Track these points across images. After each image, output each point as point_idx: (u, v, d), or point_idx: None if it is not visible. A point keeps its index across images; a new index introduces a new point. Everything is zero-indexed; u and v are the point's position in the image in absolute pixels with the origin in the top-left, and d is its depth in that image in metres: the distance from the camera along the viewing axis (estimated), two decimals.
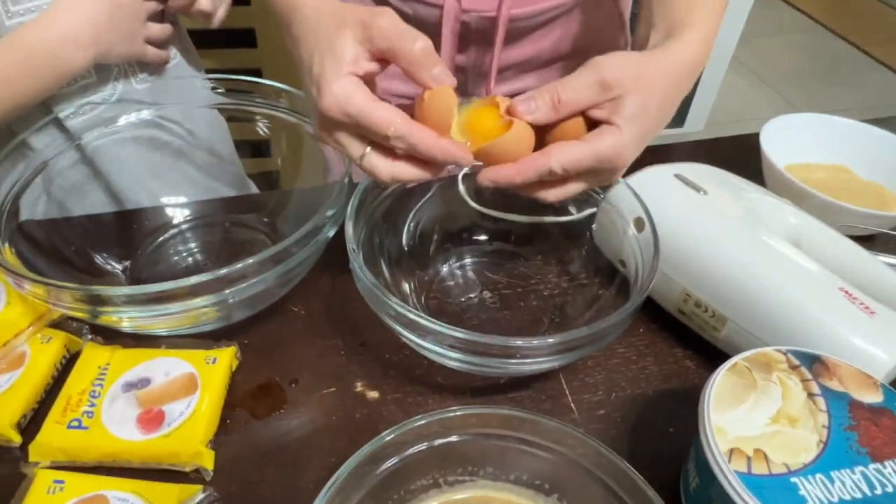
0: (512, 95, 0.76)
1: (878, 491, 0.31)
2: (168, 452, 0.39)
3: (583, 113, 0.40)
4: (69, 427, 0.40)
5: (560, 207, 0.55)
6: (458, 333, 0.38)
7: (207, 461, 0.40)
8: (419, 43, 0.37)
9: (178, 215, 0.59)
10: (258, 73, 1.10)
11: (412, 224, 0.54)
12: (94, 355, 0.44)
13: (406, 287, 0.52)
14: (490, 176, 0.40)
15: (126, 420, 0.40)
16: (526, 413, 0.36)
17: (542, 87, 0.40)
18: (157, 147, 0.62)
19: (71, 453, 0.39)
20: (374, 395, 0.46)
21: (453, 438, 0.36)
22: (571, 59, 0.69)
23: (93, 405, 0.41)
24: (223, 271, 0.40)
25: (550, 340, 0.39)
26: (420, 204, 0.54)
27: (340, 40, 0.37)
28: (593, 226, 0.53)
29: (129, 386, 0.42)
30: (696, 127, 2.19)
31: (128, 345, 0.45)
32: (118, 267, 0.54)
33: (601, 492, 0.35)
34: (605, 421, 0.45)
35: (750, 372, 0.37)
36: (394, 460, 0.35)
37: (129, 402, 0.41)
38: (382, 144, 0.38)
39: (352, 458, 0.33)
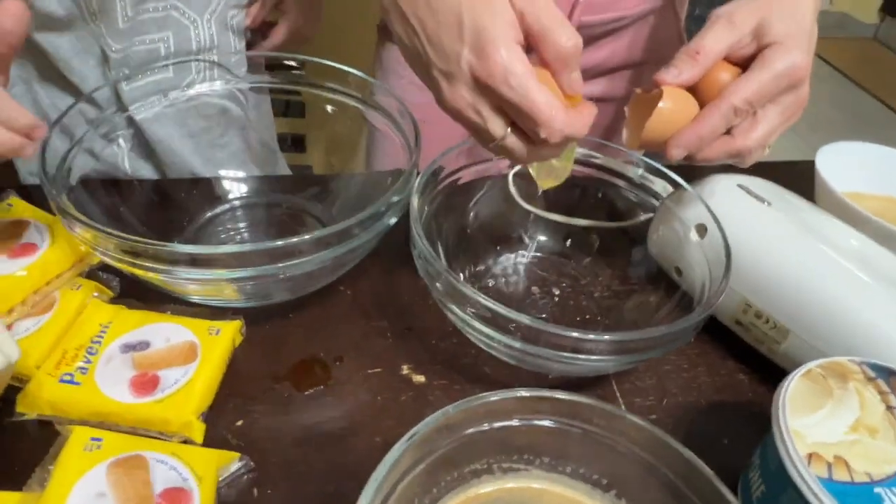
0: None
1: None
2: (158, 419, 0.38)
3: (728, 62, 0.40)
4: (61, 381, 0.38)
5: (616, 213, 0.55)
6: (514, 315, 0.37)
7: (197, 433, 0.38)
8: (572, 40, 0.34)
9: (234, 190, 0.58)
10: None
11: (471, 214, 0.53)
12: (98, 312, 0.43)
13: (459, 275, 0.51)
14: (675, 142, 0.39)
15: (119, 381, 0.39)
16: (593, 401, 0.35)
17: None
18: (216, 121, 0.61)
19: (58, 408, 0.38)
20: (420, 378, 0.45)
21: (513, 423, 0.35)
22: (636, 67, 0.69)
23: (88, 362, 0.39)
24: (277, 243, 0.38)
25: (608, 337, 0.38)
26: (478, 197, 0.53)
27: (501, 2, 0.34)
28: (651, 231, 0.52)
29: (128, 347, 0.41)
30: None
31: (134, 306, 0.44)
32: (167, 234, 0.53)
33: (664, 489, 0.33)
34: (657, 427, 0.43)
35: (825, 379, 0.35)
36: (452, 438, 0.34)
37: (126, 363, 0.40)
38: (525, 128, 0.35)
39: (422, 424, 0.31)
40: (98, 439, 0.36)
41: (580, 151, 0.53)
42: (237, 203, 0.57)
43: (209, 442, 0.39)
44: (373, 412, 0.42)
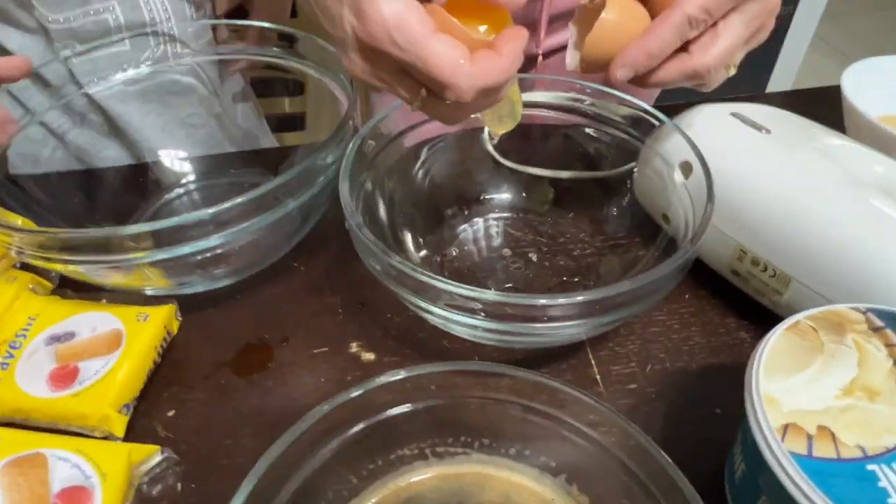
0: (558, 49, 0.69)
1: None
2: (75, 413, 0.35)
3: None
4: None
5: (596, 161, 0.48)
6: (467, 292, 0.32)
7: (118, 427, 0.35)
8: None
9: (182, 172, 0.55)
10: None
11: (424, 177, 0.48)
12: (27, 305, 0.40)
13: (415, 246, 0.46)
14: (620, 60, 0.34)
15: (39, 375, 0.36)
16: (532, 375, 0.30)
17: None
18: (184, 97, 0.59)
19: None
20: (369, 356, 0.41)
21: (441, 401, 0.31)
22: None
23: (10, 356, 0.37)
24: (183, 218, 0.34)
25: (580, 299, 0.32)
26: (431, 153, 0.48)
27: None
28: (636, 177, 0.45)
29: (53, 339, 0.38)
30: None
31: (69, 296, 0.41)
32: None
33: (620, 476, 0.28)
34: (636, 396, 0.38)
35: (816, 333, 0.29)
36: (367, 422, 0.30)
37: (49, 356, 0.37)
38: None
39: (306, 417, 0.28)
40: None
41: (548, 95, 0.47)
42: (192, 187, 0.54)
43: (136, 435, 0.36)
44: (315, 396, 0.39)
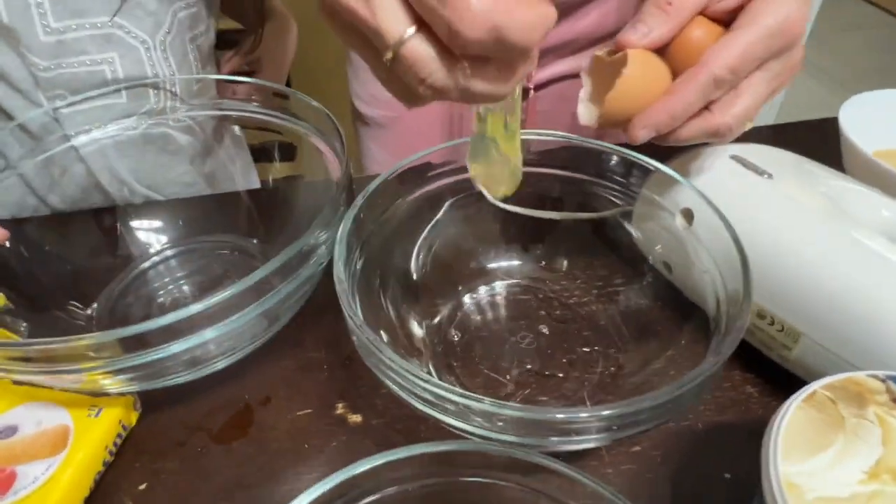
0: (550, 82, 0.68)
1: None
2: None
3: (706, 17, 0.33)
4: None
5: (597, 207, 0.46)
6: (467, 401, 0.28)
7: None
8: None
9: (154, 241, 0.51)
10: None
11: (421, 251, 0.44)
12: None
13: (416, 328, 0.42)
14: (642, 121, 0.32)
15: None
16: (531, 456, 0.27)
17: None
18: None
19: None
20: (355, 419, 0.38)
21: (434, 480, 0.28)
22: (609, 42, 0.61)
23: None
24: (128, 330, 0.30)
25: (606, 413, 0.27)
26: (431, 225, 0.44)
27: None
28: (634, 226, 0.43)
29: None
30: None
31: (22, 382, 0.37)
32: (83, 313, 0.45)
33: None
34: (640, 461, 0.36)
35: (835, 405, 0.27)
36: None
37: None
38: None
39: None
40: None
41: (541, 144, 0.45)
42: (170, 253, 0.50)
43: None
44: (297, 461, 0.36)
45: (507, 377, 0.40)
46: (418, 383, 0.29)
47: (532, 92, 0.62)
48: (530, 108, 0.64)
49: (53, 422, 0.34)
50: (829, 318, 0.34)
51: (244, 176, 0.64)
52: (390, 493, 0.28)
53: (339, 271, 0.34)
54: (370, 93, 0.69)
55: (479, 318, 0.44)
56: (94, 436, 0.34)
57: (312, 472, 0.36)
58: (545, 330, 0.43)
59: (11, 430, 0.34)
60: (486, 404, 0.28)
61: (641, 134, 0.33)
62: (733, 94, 0.33)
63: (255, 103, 0.49)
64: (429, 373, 0.38)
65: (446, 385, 0.29)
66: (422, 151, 0.41)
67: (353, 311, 0.32)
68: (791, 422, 0.26)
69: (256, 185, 0.62)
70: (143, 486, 0.35)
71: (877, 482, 0.24)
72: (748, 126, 0.35)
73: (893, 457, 0.25)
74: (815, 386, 0.28)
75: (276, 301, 0.34)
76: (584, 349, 0.41)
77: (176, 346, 0.32)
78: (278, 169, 0.51)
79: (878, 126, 0.55)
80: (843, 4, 2.60)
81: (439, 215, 0.44)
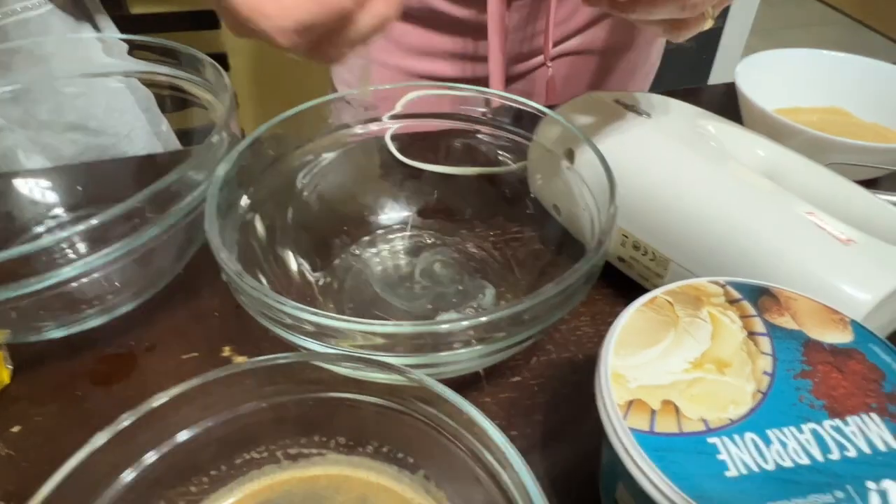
0: (563, 54, 0.68)
1: (835, 455, 0.22)
2: None
3: None
4: None
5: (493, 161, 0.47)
6: (337, 323, 0.28)
7: None
8: None
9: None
10: (223, 59, 1.05)
11: (311, 195, 0.44)
12: None
13: (299, 273, 0.42)
14: None
15: None
16: (389, 366, 0.28)
17: None
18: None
19: None
20: (241, 360, 0.38)
21: (290, 397, 0.28)
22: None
23: None
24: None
25: (484, 319, 0.28)
26: (317, 168, 0.44)
27: None
28: (528, 173, 0.44)
29: None
30: None
31: None
32: None
33: (476, 470, 0.26)
34: (519, 389, 0.36)
35: (672, 307, 0.28)
36: (208, 421, 0.27)
37: None
38: None
39: (126, 415, 0.25)
40: None
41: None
42: (65, 218, 0.48)
43: None
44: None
45: (395, 317, 0.40)
46: (282, 309, 0.29)
47: (549, 65, 0.63)
48: (550, 81, 0.65)
49: None
50: (692, 243, 0.35)
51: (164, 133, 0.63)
52: (249, 409, 0.28)
53: (210, 207, 0.33)
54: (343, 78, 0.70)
55: (372, 265, 0.44)
56: None
57: (196, 411, 0.35)
58: (439, 274, 0.43)
59: None
60: (351, 323, 0.28)
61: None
62: None
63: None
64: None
65: (306, 307, 0.29)
66: (311, 101, 0.42)
67: (218, 242, 0.32)
68: (629, 322, 0.27)
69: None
70: (16, 429, 0.35)
71: (699, 370, 0.25)
72: (709, 24, 0.34)
73: (719, 349, 0.26)
74: (657, 292, 0.29)
75: (145, 239, 0.34)
76: (474, 291, 0.42)
77: (44, 281, 0.32)
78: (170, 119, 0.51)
79: (779, 85, 0.57)
80: (791, 0, 2.68)
81: (329, 161, 0.44)
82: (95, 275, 0.34)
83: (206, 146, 0.37)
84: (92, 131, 0.58)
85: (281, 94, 1.10)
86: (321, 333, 0.29)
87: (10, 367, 0.37)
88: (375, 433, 0.29)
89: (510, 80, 0.66)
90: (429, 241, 0.46)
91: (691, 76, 1.89)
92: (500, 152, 0.46)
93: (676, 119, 0.41)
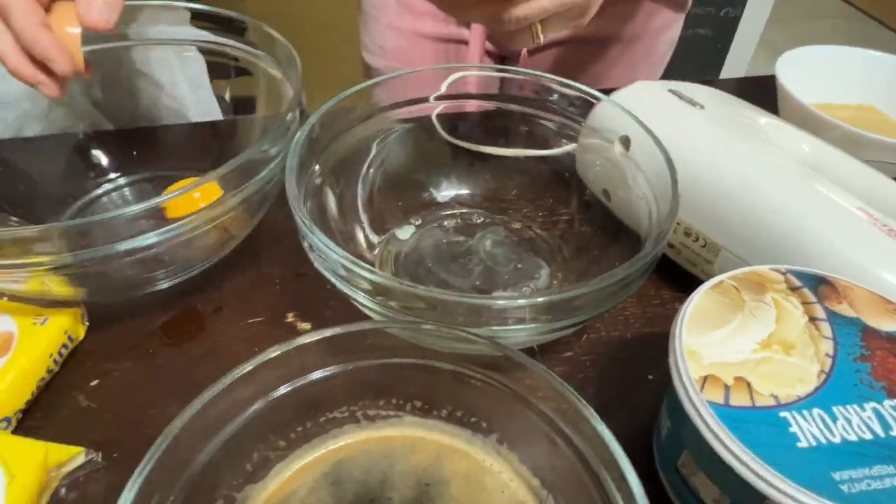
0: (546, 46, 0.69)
1: (895, 431, 0.24)
2: None
3: None
4: None
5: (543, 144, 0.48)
6: (404, 287, 0.29)
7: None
8: None
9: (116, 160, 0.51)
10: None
11: (376, 172, 0.46)
12: None
13: (367, 245, 0.44)
14: None
15: None
16: (462, 333, 0.29)
17: None
18: None
19: None
20: (305, 326, 0.40)
21: (372, 363, 0.30)
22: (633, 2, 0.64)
23: None
24: (73, 222, 0.32)
25: (540, 300, 0.29)
26: (382, 146, 0.46)
27: None
28: (577, 156, 0.46)
29: None
30: None
31: None
32: None
33: (550, 434, 0.28)
34: (571, 364, 0.38)
35: (738, 292, 0.30)
36: (293, 384, 0.29)
37: None
38: None
39: (224, 377, 0.27)
40: None
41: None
42: (122, 182, 0.50)
43: (55, 406, 0.35)
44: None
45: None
46: (362, 274, 0.31)
47: (525, 53, 0.64)
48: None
49: None
50: (745, 231, 0.37)
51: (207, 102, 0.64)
52: (330, 372, 0.30)
53: (290, 183, 0.35)
54: (378, 44, 0.70)
55: (426, 240, 0.46)
56: (39, 343, 0.35)
57: (264, 374, 0.37)
58: (489, 251, 0.45)
59: None
60: (429, 291, 0.29)
61: None
62: None
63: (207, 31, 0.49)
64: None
65: (388, 276, 0.30)
66: (371, 80, 0.43)
67: (303, 214, 0.33)
68: (698, 304, 0.29)
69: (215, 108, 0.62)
70: (94, 383, 0.36)
71: (767, 351, 0.27)
72: (540, 40, 0.35)
73: (784, 331, 0.28)
74: (721, 277, 0.30)
75: (225, 209, 0.35)
76: (526, 269, 0.44)
77: (120, 245, 0.33)
78: (235, 85, 0.52)
79: (813, 81, 0.58)
80: None
81: (391, 139, 0.45)
82: (172, 242, 0.35)
83: (282, 122, 0.38)
84: (151, 95, 0.59)
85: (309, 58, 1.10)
86: (393, 299, 0.31)
87: (86, 324, 0.38)
88: (449, 398, 0.31)
89: (504, 60, 0.67)
90: (478, 221, 0.47)
91: (706, 64, 1.89)
92: (549, 134, 0.47)
93: (728, 110, 0.43)
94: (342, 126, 0.43)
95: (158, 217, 0.34)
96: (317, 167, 0.40)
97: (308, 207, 0.38)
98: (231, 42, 0.48)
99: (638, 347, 0.40)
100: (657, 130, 0.40)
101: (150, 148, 0.52)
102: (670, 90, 0.44)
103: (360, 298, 0.32)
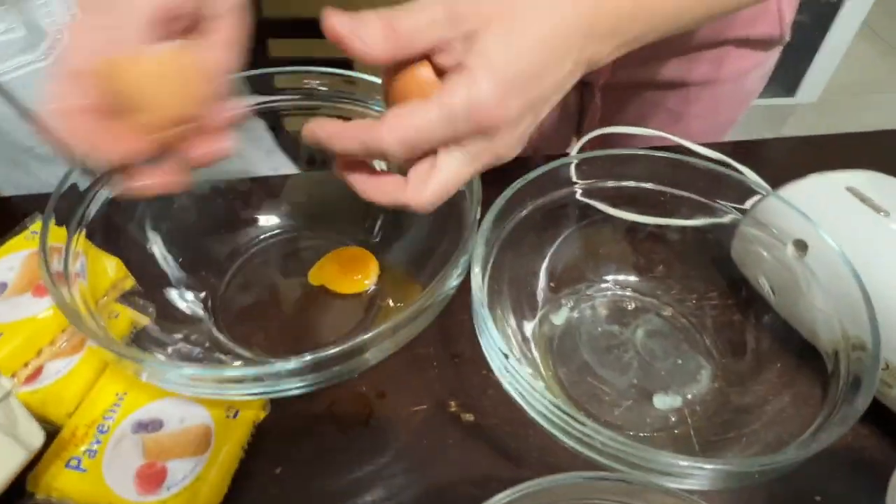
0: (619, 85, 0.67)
1: None
2: None
3: (431, 63, 0.30)
4: (67, 466, 0.34)
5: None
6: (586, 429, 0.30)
7: None
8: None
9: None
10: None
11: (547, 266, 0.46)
12: (113, 379, 0.38)
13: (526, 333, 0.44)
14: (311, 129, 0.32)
15: (126, 471, 0.34)
16: (662, 487, 0.30)
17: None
18: None
19: (66, 493, 0.34)
20: (468, 417, 0.41)
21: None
22: (718, 47, 0.61)
23: (98, 442, 0.35)
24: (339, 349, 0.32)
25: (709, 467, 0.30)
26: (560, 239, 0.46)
27: None
28: (735, 245, 0.44)
29: (140, 426, 0.36)
30: (810, 97, 1.98)
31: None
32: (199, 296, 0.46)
33: None
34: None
35: None
36: None
37: (136, 447, 0.35)
38: None
39: None
40: None
41: None
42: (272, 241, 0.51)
43: (238, 493, 0.37)
44: (419, 458, 0.39)
45: (609, 390, 0.42)
46: (553, 410, 0.31)
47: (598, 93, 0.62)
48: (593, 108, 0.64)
49: (195, 420, 0.36)
50: None
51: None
52: None
53: (478, 297, 0.35)
54: None
55: (580, 327, 0.46)
56: (234, 436, 0.36)
57: (437, 470, 0.38)
58: (644, 343, 0.45)
59: (158, 424, 0.36)
60: (620, 442, 0.30)
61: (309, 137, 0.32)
62: (430, 167, 0.31)
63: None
64: (536, 376, 0.41)
65: (590, 423, 0.31)
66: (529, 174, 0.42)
67: (491, 335, 0.34)
68: None
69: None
70: (278, 470, 0.38)
71: None
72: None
73: None
74: None
75: (407, 334, 0.36)
76: (685, 366, 0.43)
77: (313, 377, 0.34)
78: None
79: None
80: None
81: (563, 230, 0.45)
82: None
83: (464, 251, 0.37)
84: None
85: None
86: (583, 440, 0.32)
87: (267, 410, 0.40)
88: None
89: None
90: (630, 308, 0.47)
91: (776, 79, 1.80)
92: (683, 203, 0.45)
93: None
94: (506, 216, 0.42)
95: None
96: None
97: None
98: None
99: (804, 465, 0.39)
100: (833, 236, 0.39)
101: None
102: (848, 188, 0.42)
103: (559, 435, 0.33)
